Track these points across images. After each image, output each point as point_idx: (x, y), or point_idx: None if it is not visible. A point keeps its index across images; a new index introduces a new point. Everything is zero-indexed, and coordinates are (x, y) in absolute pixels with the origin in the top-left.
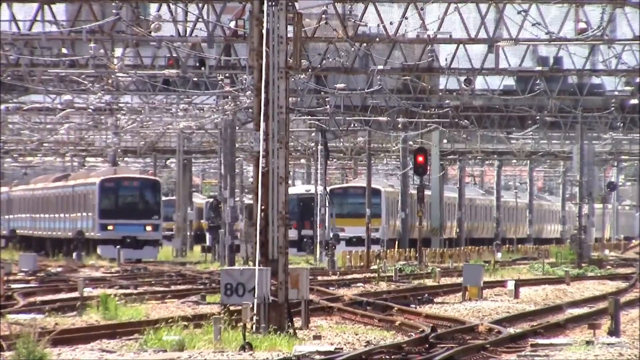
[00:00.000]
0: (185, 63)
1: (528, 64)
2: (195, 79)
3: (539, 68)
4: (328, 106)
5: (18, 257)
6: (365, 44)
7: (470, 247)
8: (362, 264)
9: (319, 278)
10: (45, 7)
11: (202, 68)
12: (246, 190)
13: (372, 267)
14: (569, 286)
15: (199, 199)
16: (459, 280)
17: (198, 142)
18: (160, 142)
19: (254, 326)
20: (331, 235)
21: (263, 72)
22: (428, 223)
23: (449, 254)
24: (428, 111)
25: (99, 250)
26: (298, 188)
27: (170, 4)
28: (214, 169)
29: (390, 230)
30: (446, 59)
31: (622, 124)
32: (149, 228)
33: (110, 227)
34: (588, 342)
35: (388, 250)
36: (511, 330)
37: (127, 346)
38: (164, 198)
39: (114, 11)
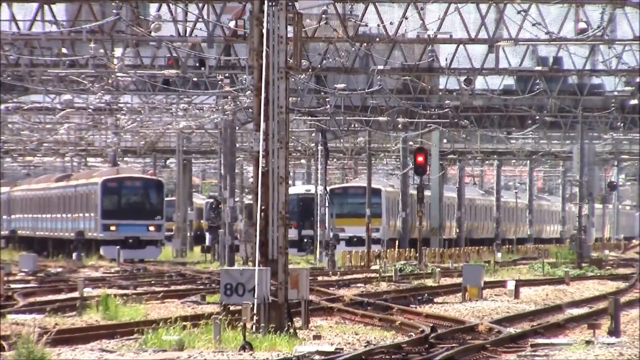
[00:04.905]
0: (185, 63)
1: (528, 64)
2: (195, 79)
3: (539, 68)
4: (328, 106)
5: (18, 258)
6: (365, 44)
7: (470, 247)
8: (362, 264)
9: (319, 278)
10: (45, 7)
11: (202, 68)
12: (246, 190)
13: (372, 267)
14: (568, 286)
15: (199, 199)
16: (459, 280)
17: (198, 142)
18: (160, 142)
19: (254, 326)
20: (331, 235)
21: (263, 72)
22: (428, 223)
23: (449, 254)
24: (428, 111)
25: (101, 251)
26: (298, 188)
27: (170, 4)
28: (214, 169)
29: (391, 230)
30: (446, 59)
31: (622, 124)
32: (151, 228)
33: (112, 228)
34: (588, 342)
35: (388, 250)
36: (511, 330)
37: (127, 346)
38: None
39: (114, 11)
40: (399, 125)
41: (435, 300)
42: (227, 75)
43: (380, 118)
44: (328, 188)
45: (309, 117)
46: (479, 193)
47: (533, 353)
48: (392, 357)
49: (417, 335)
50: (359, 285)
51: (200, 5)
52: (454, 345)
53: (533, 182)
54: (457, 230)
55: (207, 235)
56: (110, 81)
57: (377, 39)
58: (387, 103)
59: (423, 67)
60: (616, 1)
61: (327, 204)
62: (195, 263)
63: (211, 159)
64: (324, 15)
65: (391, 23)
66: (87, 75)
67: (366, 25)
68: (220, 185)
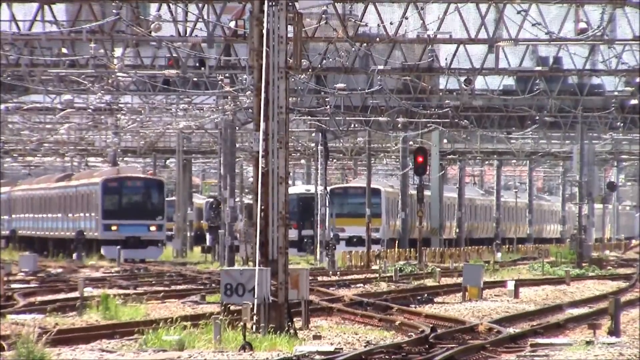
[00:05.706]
0: (185, 63)
1: (528, 64)
2: (195, 79)
3: (539, 68)
4: (328, 106)
5: (18, 258)
6: (365, 44)
7: (470, 247)
8: (362, 264)
9: (319, 278)
10: (45, 7)
11: (202, 68)
12: (246, 190)
13: (372, 267)
14: (569, 286)
15: (199, 199)
16: (459, 280)
17: (198, 142)
18: (160, 142)
19: (254, 326)
20: (331, 235)
21: (263, 72)
22: (428, 223)
23: (449, 254)
24: (428, 111)
25: (102, 251)
26: (298, 188)
27: (170, 4)
28: (214, 169)
29: (390, 230)
30: (446, 59)
31: (622, 124)
32: (152, 228)
33: (113, 228)
34: (588, 342)
35: (388, 250)
36: (511, 330)
37: (127, 346)
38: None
39: (114, 11)
40: (399, 125)
41: (435, 300)
42: (227, 75)
43: (380, 118)
44: (328, 188)
45: (309, 117)
46: (479, 193)
47: (533, 353)
48: (392, 357)
49: (417, 335)
50: (358, 285)
51: (200, 5)
52: (453, 345)
53: (533, 182)
54: (457, 230)
55: (207, 236)
56: (110, 81)
57: (377, 39)
58: (387, 103)
59: (423, 67)
60: (616, 1)
61: (327, 204)
62: (196, 263)
63: (211, 159)
64: (324, 15)
65: (391, 23)
66: (87, 75)
67: (366, 25)
68: (220, 185)
